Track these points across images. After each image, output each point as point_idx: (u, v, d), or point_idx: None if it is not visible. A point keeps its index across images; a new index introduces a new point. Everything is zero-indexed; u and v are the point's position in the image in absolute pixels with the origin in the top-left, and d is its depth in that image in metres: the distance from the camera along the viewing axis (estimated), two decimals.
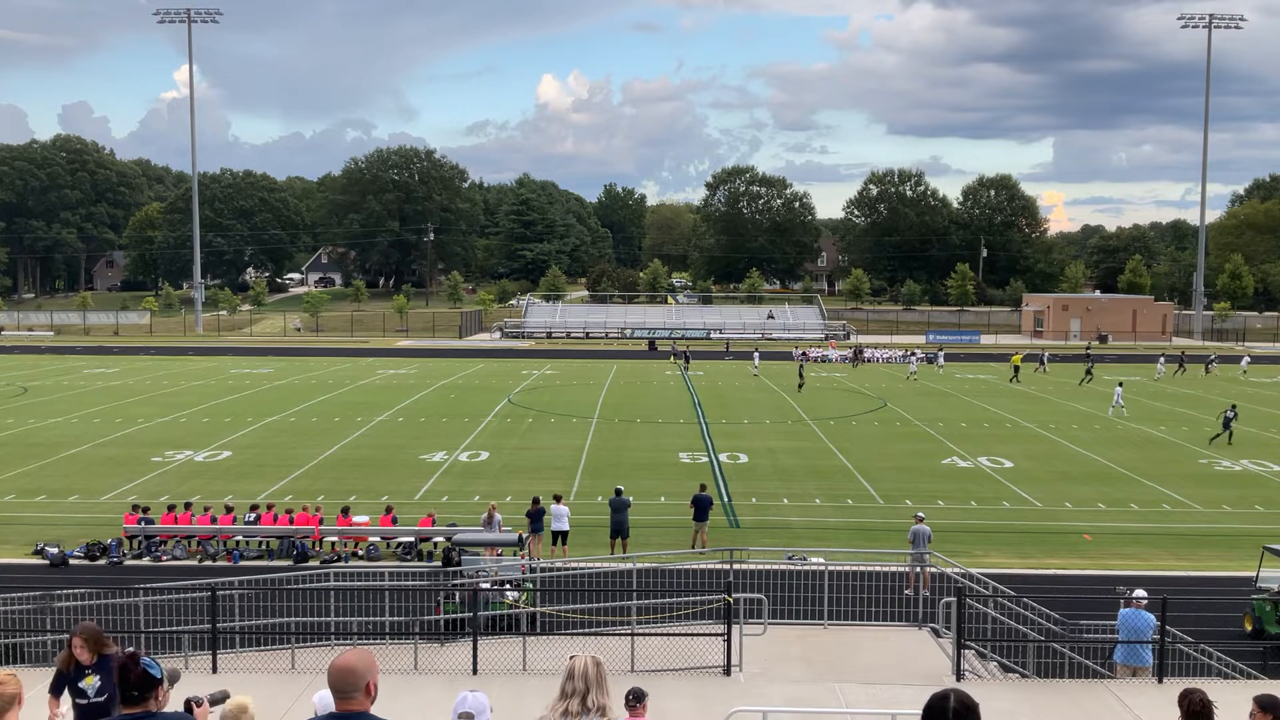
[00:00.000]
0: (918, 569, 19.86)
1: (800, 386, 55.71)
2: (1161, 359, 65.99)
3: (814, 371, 67.60)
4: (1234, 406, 41.07)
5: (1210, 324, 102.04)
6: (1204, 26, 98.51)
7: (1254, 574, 20.08)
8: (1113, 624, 15.00)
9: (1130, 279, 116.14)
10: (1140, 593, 15.06)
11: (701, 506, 24.44)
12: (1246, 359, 69.59)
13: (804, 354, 73.77)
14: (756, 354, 68.14)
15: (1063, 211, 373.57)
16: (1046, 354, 70.37)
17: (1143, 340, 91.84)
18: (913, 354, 69.26)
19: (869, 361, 74.86)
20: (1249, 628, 19.12)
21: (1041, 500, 29.88)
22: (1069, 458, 36.61)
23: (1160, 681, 13.38)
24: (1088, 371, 59.58)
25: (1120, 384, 49.39)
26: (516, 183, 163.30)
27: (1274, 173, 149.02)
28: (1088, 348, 79.39)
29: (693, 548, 23.44)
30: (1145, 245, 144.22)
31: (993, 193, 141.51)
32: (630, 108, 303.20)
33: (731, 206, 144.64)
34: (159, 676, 5.31)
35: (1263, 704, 7.67)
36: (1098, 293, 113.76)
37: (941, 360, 68.11)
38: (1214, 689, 12.66)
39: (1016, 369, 61.56)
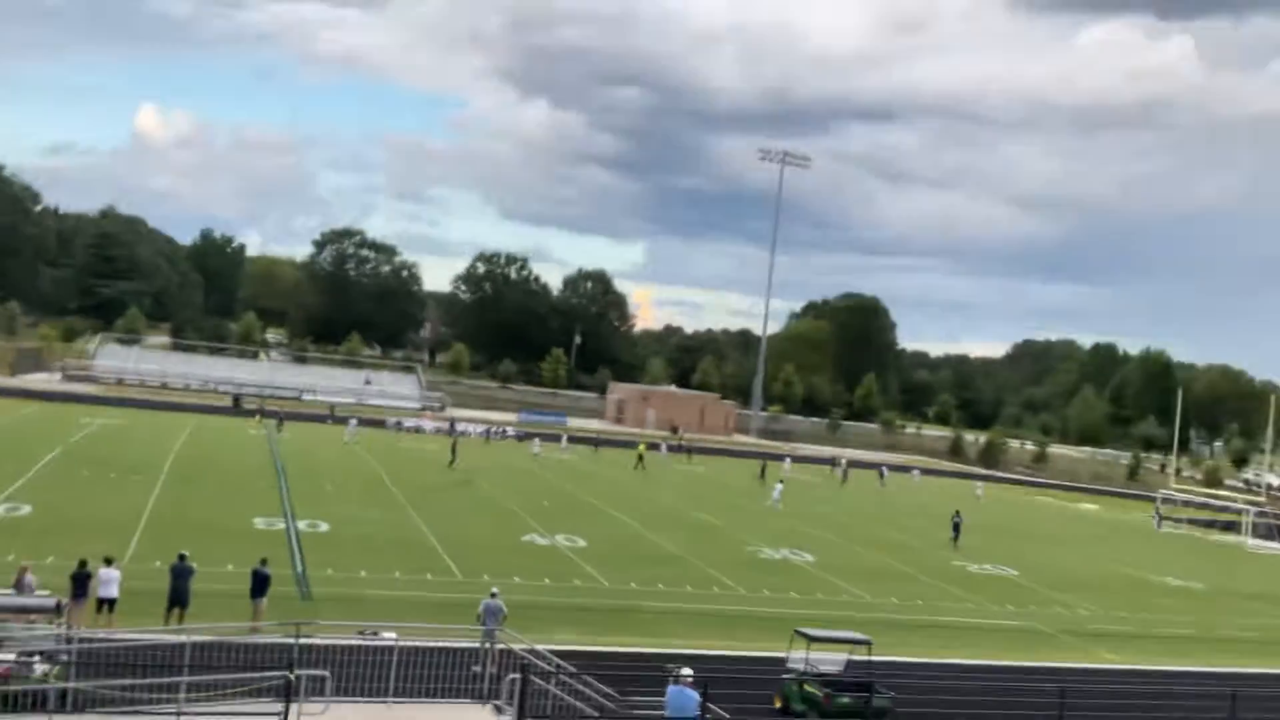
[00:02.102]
0: (487, 644, 20.17)
1: (451, 463, 54.36)
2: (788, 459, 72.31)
3: (407, 441, 67.06)
4: (958, 512, 47.32)
5: (765, 424, 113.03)
6: (778, 161, 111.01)
7: (784, 655, 22.29)
8: (662, 700, 16.09)
9: (702, 377, 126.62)
10: (686, 671, 16.29)
11: (259, 582, 22.83)
12: (917, 470, 78.33)
13: (455, 428, 73.82)
14: (353, 421, 66.39)
15: (649, 310, 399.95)
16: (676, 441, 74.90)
17: (708, 434, 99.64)
18: (534, 439, 70.71)
19: (463, 435, 75.43)
20: (778, 705, 21.13)
21: (609, 579, 31.44)
22: (636, 539, 38.89)
23: None
24: (763, 471, 64.47)
25: (781, 482, 56.00)
26: (100, 214, 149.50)
27: (825, 297, 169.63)
28: (681, 438, 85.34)
29: (252, 623, 22.08)
30: (717, 348, 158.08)
31: (590, 285, 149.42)
32: (239, 153, 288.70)
33: (338, 267, 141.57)
34: None
35: None
36: (673, 387, 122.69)
37: (565, 442, 70.23)
38: None
39: (640, 457, 64.73)
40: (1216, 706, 18.94)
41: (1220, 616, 36.60)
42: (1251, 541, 60.81)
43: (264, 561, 23.35)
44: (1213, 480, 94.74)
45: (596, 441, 71.90)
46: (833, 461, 79.43)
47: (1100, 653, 29.24)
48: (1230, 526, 65.20)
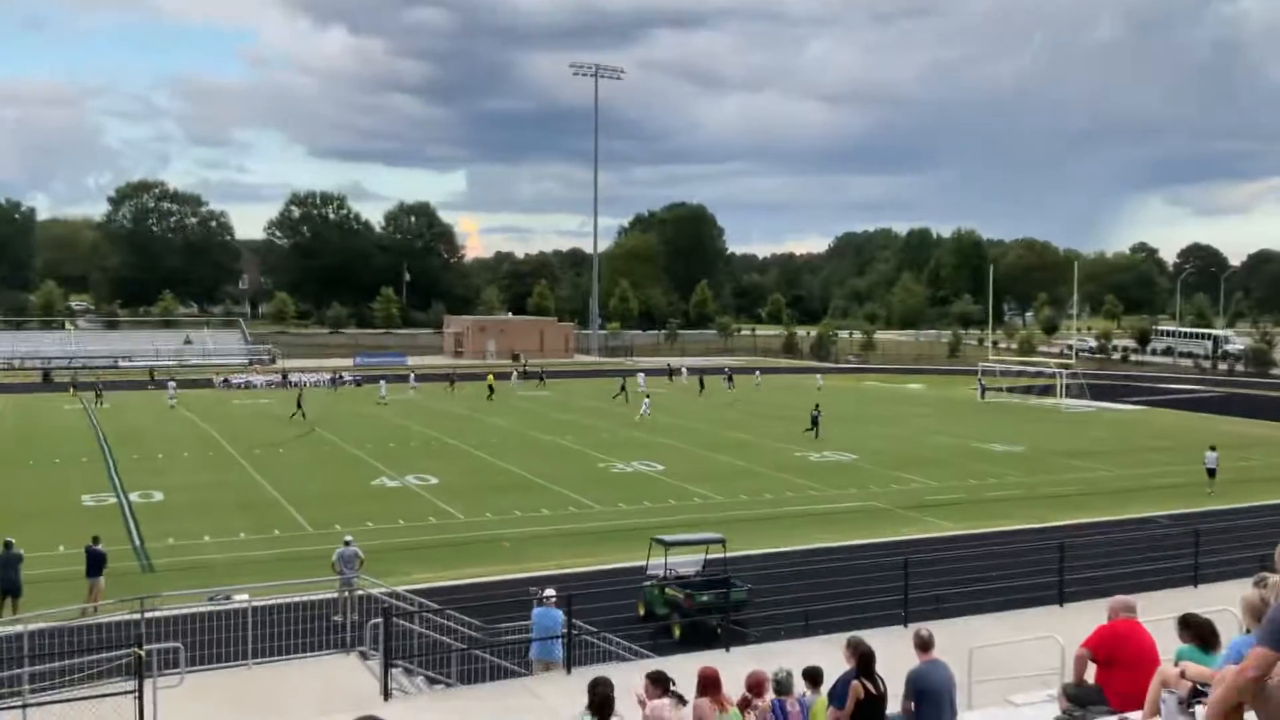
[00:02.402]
0: (346, 593, 19.87)
1: (293, 415, 52.23)
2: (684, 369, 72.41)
3: (238, 398, 64.74)
4: (817, 405, 49.66)
5: (604, 342, 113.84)
6: (591, 75, 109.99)
7: (644, 563, 22.79)
8: (528, 624, 16.23)
9: (538, 301, 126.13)
10: (549, 592, 16.47)
11: (94, 561, 21.68)
12: (758, 371, 79.23)
13: (290, 379, 71.37)
14: (171, 383, 63.55)
15: (477, 238, 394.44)
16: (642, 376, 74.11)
17: (550, 358, 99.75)
18: (381, 379, 68.73)
19: (296, 386, 73.23)
20: (642, 612, 21.64)
21: (464, 513, 31.36)
22: (488, 470, 38.84)
23: (569, 672, 14.71)
24: (623, 388, 64.50)
25: (648, 396, 57.44)
26: None
27: (652, 209, 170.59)
28: (525, 365, 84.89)
29: (87, 604, 21.06)
30: (550, 271, 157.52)
31: (413, 219, 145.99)
32: (13, 110, 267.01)
33: (139, 224, 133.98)
34: None
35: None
36: (510, 314, 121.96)
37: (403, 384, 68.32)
38: (613, 671, 14.22)
39: (490, 388, 64.69)
40: (1047, 559, 20.35)
41: (1043, 475, 39.19)
42: (1066, 402, 65.10)
43: (96, 540, 22.27)
44: (1027, 349, 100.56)
45: (452, 378, 70.82)
46: (669, 370, 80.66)
47: (937, 522, 30.96)
48: (1046, 390, 69.59)
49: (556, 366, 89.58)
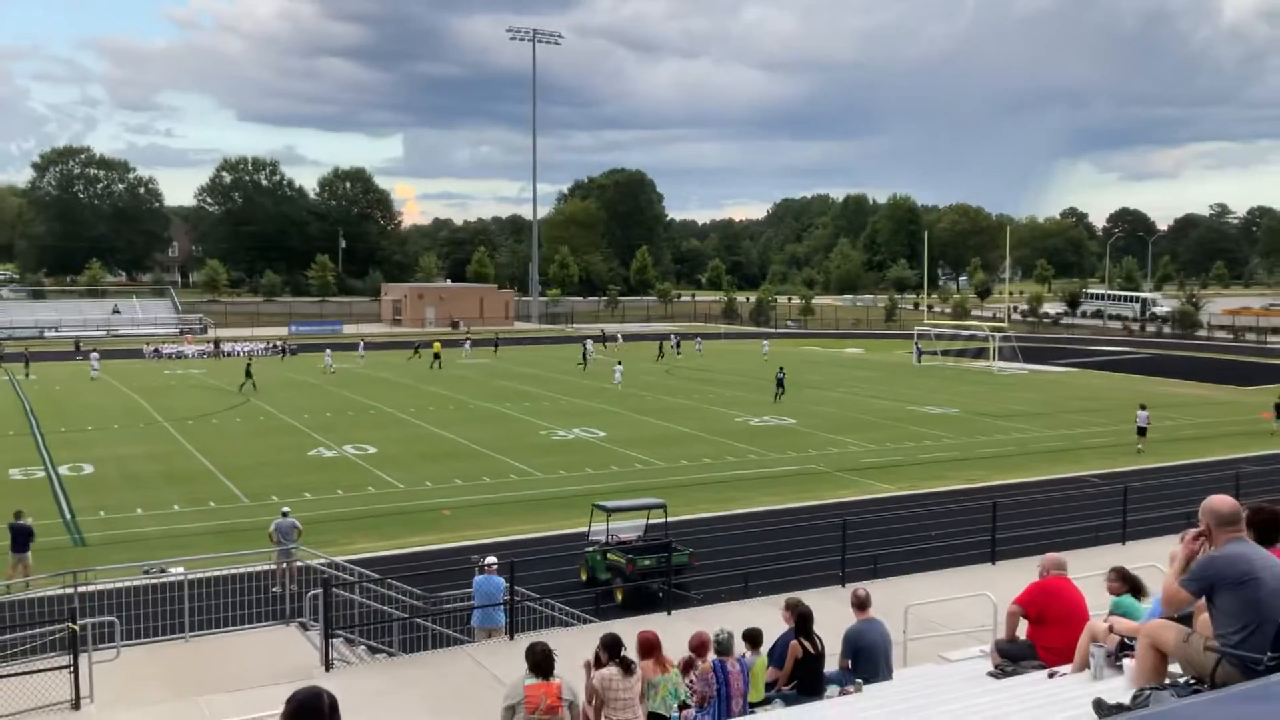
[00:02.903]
0: (285, 564, 19.68)
1: (243, 385, 51.49)
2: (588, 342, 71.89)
3: (169, 369, 63.54)
4: (782, 368, 50.84)
5: (545, 309, 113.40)
6: (528, 40, 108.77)
7: (586, 529, 22.86)
8: (470, 592, 16.22)
9: (477, 269, 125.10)
10: (490, 559, 16.47)
11: (19, 536, 20.96)
12: (699, 339, 78.73)
13: (222, 348, 70.10)
14: (95, 354, 61.71)
15: (415, 205, 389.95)
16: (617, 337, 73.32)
17: (489, 325, 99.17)
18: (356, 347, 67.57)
19: (229, 355, 72.05)
20: (584, 577, 21.72)
21: (404, 482, 31.16)
22: (428, 439, 38.60)
23: (512, 639, 14.76)
24: (584, 356, 64.72)
25: (619, 363, 57.35)
26: None
27: (591, 175, 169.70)
28: (468, 332, 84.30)
29: (11, 580, 20.55)
30: (489, 238, 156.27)
31: (349, 185, 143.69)
32: None
33: (65, 190, 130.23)
34: None
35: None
36: (449, 282, 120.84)
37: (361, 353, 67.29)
38: (556, 636, 14.28)
39: (437, 355, 64.15)
40: (981, 519, 20.77)
41: (977, 437, 39.93)
42: (998, 365, 66.29)
43: (19, 514, 21.60)
44: (961, 313, 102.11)
45: (417, 346, 70.11)
46: (604, 337, 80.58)
47: (874, 484, 31.45)
48: (980, 354, 70.78)
49: (498, 334, 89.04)
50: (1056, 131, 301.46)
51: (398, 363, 65.85)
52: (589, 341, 69.93)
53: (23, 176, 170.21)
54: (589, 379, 57.37)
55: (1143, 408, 37.80)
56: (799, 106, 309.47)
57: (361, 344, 70.02)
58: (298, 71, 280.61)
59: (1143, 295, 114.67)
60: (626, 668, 9.19)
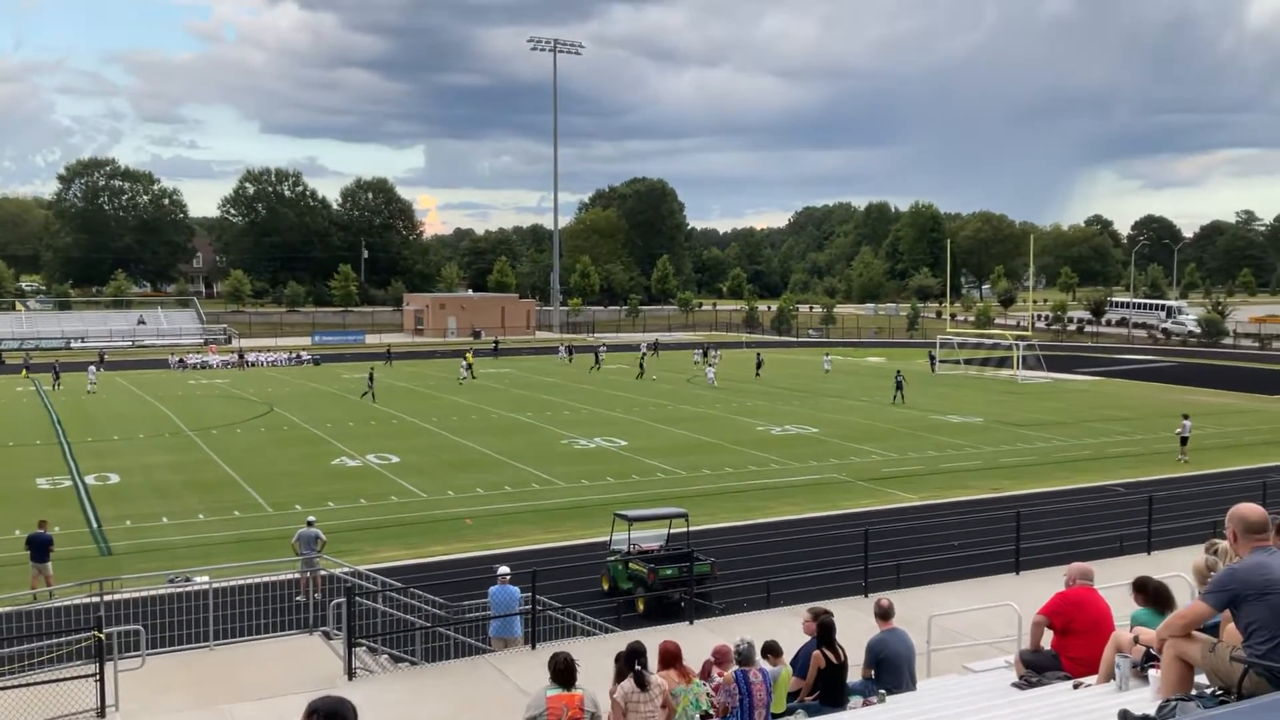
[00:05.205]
0: (308, 573, 19.79)
1: (364, 395, 51.79)
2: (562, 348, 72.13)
3: (194, 379, 63.98)
4: (900, 371, 52.13)
5: (566, 318, 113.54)
6: (549, 50, 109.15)
7: (607, 538, 22.86)
8: (486, 602, 16.25)
9: (498, 278, 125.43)
10: (504, 569, 16.48)
11: (38, 546, 20.91)
12: (717, 352, 78.87)
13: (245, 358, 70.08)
14: (92, 367, 60.82)
15: (436, 215, 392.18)
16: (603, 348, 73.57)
17: (511, 334, 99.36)
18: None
19: (253, 365, 72.56)
20: (606, 587, 21.73)
21: (427, 491, 31.26)
22: (450, 448, 38.70)
23: (534, 648, 14.76)
24: (640, 365, 64.61)
25: (711, 366, 60.31)
26: None
27: (612, 184, 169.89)
28: (496, 343, 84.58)
29: (33, 590, 20.65)
30: (510, 248, 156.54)
31: (370, 195, 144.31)
32: None
33: (91, 202, 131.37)
34: None
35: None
36: (470, 291, 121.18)
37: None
38: (578, 646, 14.27)
39: (469, 365, 64.00)
40: (1005, 529, 20.63)
41: (1000, 446, 39.68)
42: (1021, 374, 65.85)
43: (42, 524, 21.69)
44: (984, 321, 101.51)
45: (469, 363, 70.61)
46: (656, 345, 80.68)
47: (896, 493, 31.29)
48: (1003, 363, 70.34)
49: (519, 343, 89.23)
50: (1080, 138, 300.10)
51: (426, 373, 66.04)
52: (602, 348, 69.92)
53: (49, 189, 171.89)
54: (612, 386, 57.38)
55: (1185, 417, 37.49)
56: (820, 114, 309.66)
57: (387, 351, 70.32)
58: (319, 83, 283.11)
59: (1169, 303, 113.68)
60: (640, 682, 9.06)
